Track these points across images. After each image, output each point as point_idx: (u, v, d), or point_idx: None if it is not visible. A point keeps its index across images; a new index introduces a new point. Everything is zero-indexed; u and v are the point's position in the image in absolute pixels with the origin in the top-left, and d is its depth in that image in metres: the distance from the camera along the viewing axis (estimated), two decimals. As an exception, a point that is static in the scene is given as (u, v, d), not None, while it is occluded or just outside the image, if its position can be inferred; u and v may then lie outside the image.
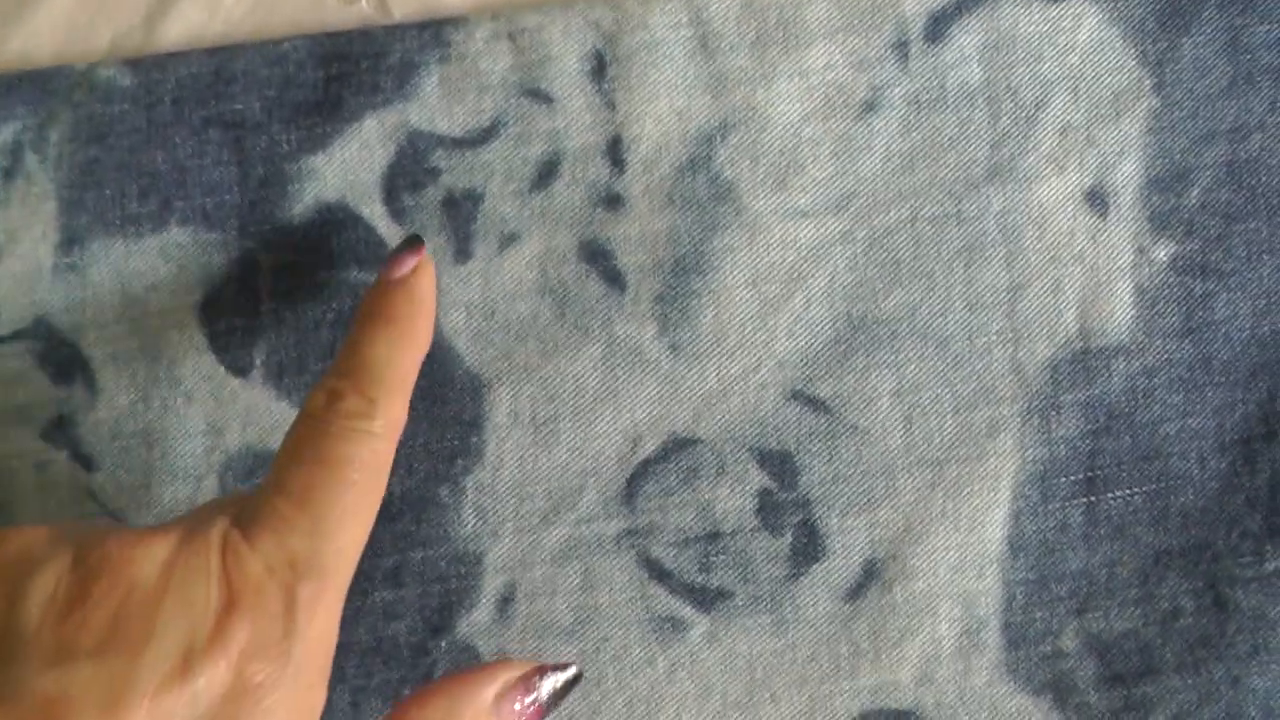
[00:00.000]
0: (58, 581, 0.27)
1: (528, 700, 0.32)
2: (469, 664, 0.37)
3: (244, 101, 0.38)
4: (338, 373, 0.32)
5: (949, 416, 0.38)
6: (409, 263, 0.34)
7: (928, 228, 0.38)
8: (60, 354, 0.37)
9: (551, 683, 0.32)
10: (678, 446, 0.38)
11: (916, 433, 0.38)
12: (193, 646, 0.27)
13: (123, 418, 0.37)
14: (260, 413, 0.38)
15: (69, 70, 0.38)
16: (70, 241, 0.38)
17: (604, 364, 0.38)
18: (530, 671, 0.32)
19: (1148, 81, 0.39)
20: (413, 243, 0.35)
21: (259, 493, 0.30)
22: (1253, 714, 0.38)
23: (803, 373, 0.38)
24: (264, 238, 0.38)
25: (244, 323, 0.38)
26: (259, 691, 0.27)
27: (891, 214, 0.38)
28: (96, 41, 0.39)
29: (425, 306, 0.34)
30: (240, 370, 0.38)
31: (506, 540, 0.38)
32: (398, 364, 0.32)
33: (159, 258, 0.38)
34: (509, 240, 0.38)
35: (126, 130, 0.38)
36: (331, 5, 0.39)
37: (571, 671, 0.33)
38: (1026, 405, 0.38)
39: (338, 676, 0.36)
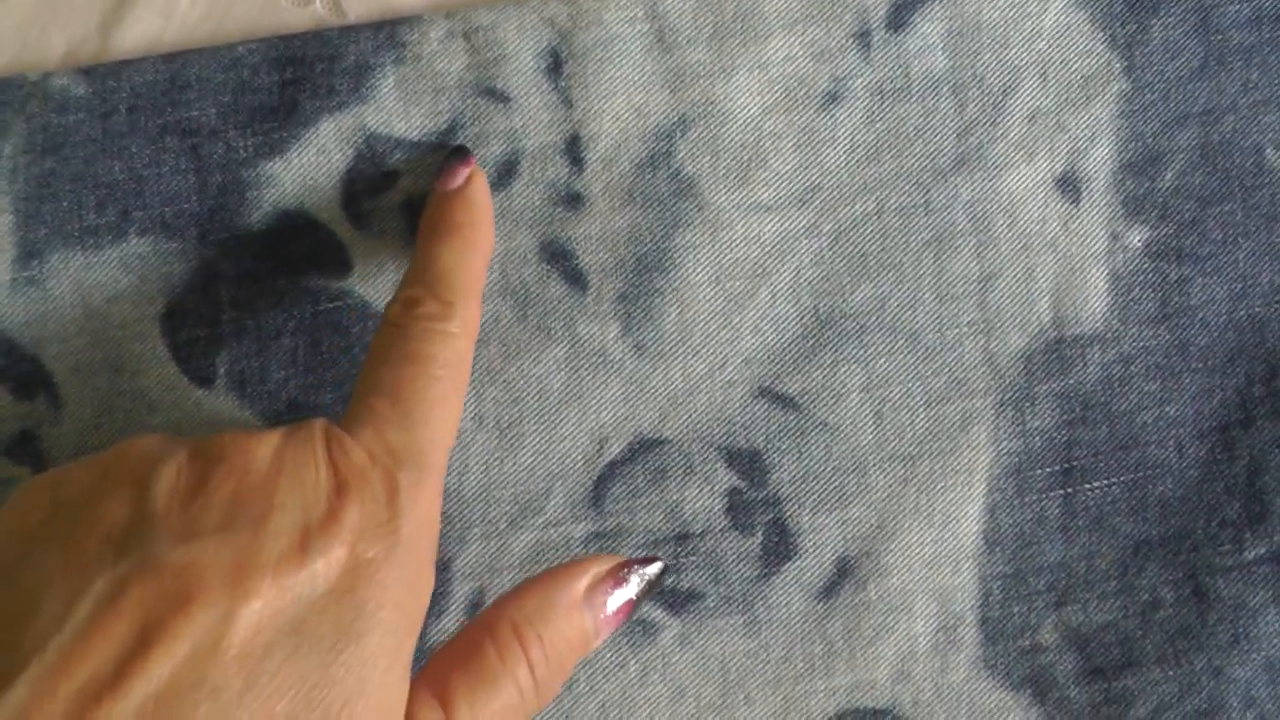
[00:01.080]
0: (179, 471, 0.29)
1: (618, 593, 0.33)
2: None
3: (200, 108, 0.38)
4: (412, 282, 0.34)
5: (920, 410, 0.38)
6: (462, 173, 0.36)
7: (895, 219, 0.38)
8: (21, 369, 0.37)
9: (640, 576, 0.33)
10: (644, 447, 0.37)
11: (888, 428, 0.38)
12: (309, 525, 0.28)
13: (86, 431, 0.37)
14: (224, 423, 0.37)
15: (21, 80, 0.38)
16: (28, 255, 0.37)
17: (567, 365, 0.38)
18: (619, 565, 0.33)
19: (1117, 65, 0.38)
20: (461, 153, 0.37)
21: (353, 396, 0.32)
22: (1234, 704, 0.37)
23: (770, 370, 0.38)
24: (224, 246, 0.38)
25: (206, 332, 0.37)
26: (371, 567, 0.28)
27: (857, 206, 0.38)
28: (51, 50, 0.39)
29: (483, 212, 0.36)
30: (204, 380, 0.37)
31: (474, 546, 0.37)
32: (466, 269, 0.34)
33: (119, 269, 0.37)
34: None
35: (82, 140, 0.38)
36: (286, 7, 0.39)
37: (658, 566, 0.33)
38: (1000, 397, 0.38)
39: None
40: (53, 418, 0.37)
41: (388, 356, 0.32)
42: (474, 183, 0.36)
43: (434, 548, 0.31)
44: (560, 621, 0.31)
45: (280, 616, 0.27)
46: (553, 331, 0.38)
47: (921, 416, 0.38)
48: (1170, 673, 0.37)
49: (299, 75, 0.38)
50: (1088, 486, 0.38)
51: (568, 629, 0.32)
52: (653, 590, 0.33)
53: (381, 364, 0.32)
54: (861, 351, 0.38)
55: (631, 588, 0.33)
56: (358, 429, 0.30)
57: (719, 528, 0.37)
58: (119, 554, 0.28)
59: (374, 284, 0.38)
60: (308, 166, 0.38)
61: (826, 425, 0.38)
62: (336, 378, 0.38)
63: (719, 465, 0.37)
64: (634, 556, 0.34)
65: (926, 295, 0.38)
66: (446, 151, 0.37)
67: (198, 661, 0.27)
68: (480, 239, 0.35)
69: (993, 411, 0.38)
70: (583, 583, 0.32)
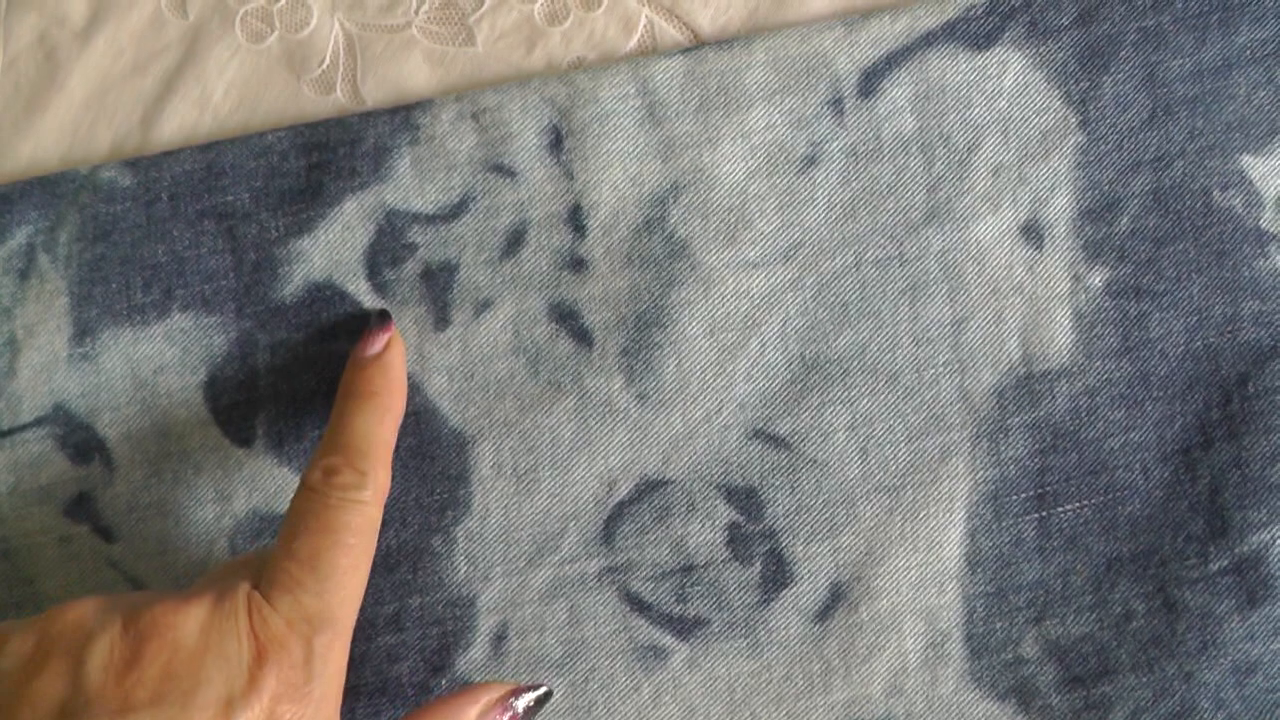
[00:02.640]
0: (112, 646, 0.32)
1: (505, 717, 0.36)
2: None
3: (234, 193, 0.41)
4: (329, 449, 0.36)
5: (902, 445, 0.41)
6: (381, 340, 0.39)
7: (872, 270, 0.41)
8: (78, 436, 0.41)
9: (525, 700, 0.37)
10: (650, 488, 0.41)
11: (872, 462, 0.41)
12: (232, 694, 0.32)
13: (138, 491, 0.41)
14: (264, 479, 0.41)
15: (74, 174, 0.41)
16: (83, 333, 0.41)
17: (577, 415, 0.41)
18: (506, 693, 0.36)
19: (1073, 119, 0.42)
20: (382, 318, 0.39)
21: (273, 558, 0.34)
22: (1205, 706, 0.40)
23: (762, 413, 0.41)
24: (259, 318, 0.41)
25: (245, 397, 0.41)
26: None
27: (837, 260, 0.41)
28: (98, 144, 0.42)
29: (398, 379, 0.39)
30: (244, 441, 0.41)
31: (496, 583, 0.40)
32: (380, 436, 0.37)
33: (164, 342, 0.41)
34: (483, 306, 0.41)
35: (129, 227, 0.41)
36: (309, 96, 0.42)
37: (542, 690, 0.37)
38: (976, 430, 0.41)
39: (347, 717, 0.39)
40: (107, 479, 0.41)
41: (305, 524, 0.35)
42: (391, 349, 0.39)
43: (340, 699, 0.34)
44: None
45: None
46: (562, 385, 0.41)
47: (903, 451, 0.41)
48: (1144, 679, 0.40)
49: (323, 159, 0.41)
50: (1061, 509, 0.41)
51: None
52: (537, 710, 0.37)
53: (299, 531, 0.35)
54: (846, 393, 0.41)
55: (518, 710, 0.36)
56: (277, 595, 0.33)
57: (721, 559, 0.41)
58: None
59: (397, 347, 0.41)
60: (334, 242, 0.41)
61: (816, 462, 0.41)
62: (366, 433, 0.41)
63: (719, 502, 0.41)
64: (522, 683, 0.37)
65: (904, 339, 0.41)
66: (370, 314, 0.40)
67: None
68: (394, 405, 0.38)
69: (969, 444, 0.41)
70: (474, 710, 0.36)
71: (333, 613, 0.34)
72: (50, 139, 0.42)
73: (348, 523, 0.35)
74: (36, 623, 0.33)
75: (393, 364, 0.38)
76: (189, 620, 0.32)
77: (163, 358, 0.41)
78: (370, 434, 0.37)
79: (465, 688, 0.36)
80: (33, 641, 0.32)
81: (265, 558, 0.35)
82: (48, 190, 0.41)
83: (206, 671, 0.32)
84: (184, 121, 0.42)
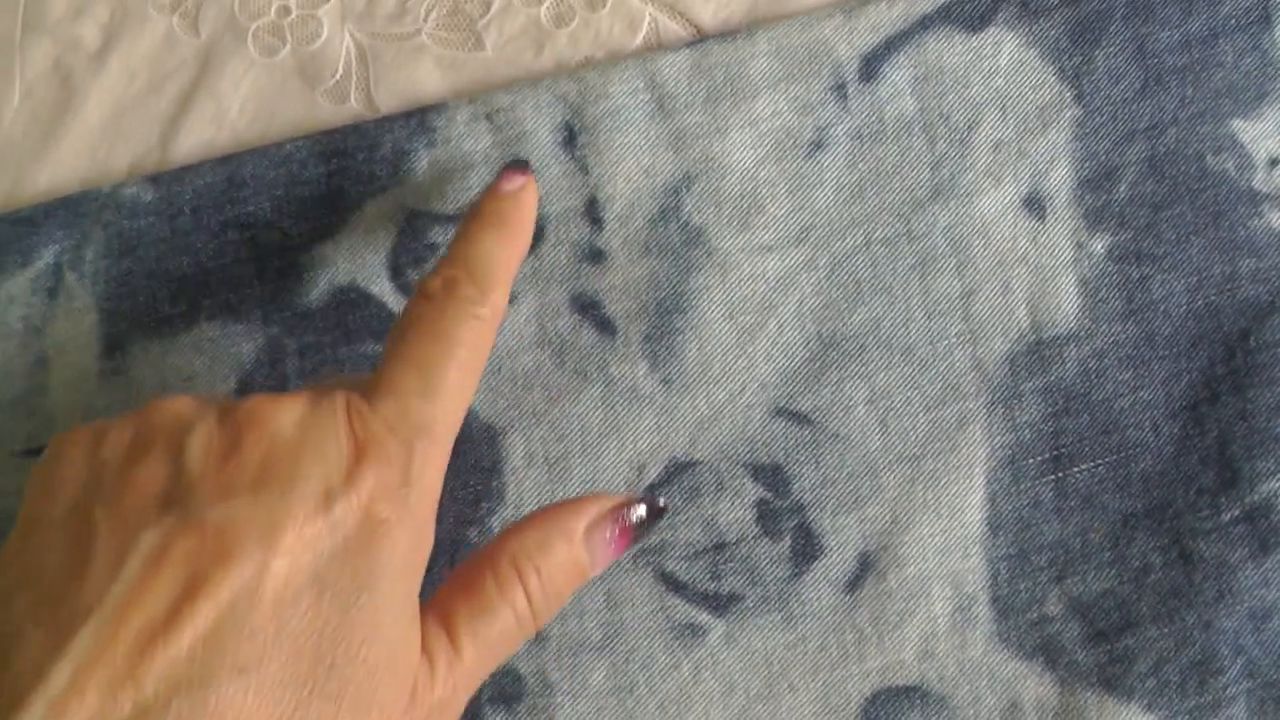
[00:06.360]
0: (210, 435, 0.32)
1: (615, 529, 0.35)
2: (511, 686, 0.41)
3: (255, 203, 0.42)
4: (452, 262, 0.36)
5: (920, 416, 0.42)
6: (519, 180, 0.39)
7: (882, 248, 0.42)
8: (116, 449, 0.41)
9: (636, 514, 0.36)
10: (679, 470, 0.42)
11: (893, 434, 0.42)
12: (330, 488, 0.31)
13: (177, 500, 0.41)
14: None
15: (96, 193, 0.42)
16: (112, 348, 0.42)
17: (604, 403, 0.42)
18: (617, 504, 0.35)
19: (1068, 93, 0.43)
20: (521, 163, 0.39)
21: (381, 361, 0.34)
22: (1225, 652, 0.41)
23: (783, 391, 0.42)
24: (286, 324, 0.42)
25: (277, 402, 0.42)
26: (384, 526, 0.31)
27: (848, 239, 0.42)
28: (117, 164, 0.43)
29: (529, 216, 0.38)
30: (278, 445, 0.41)
31: (534, 571, 0.41)
32: (504, 260, 0.37)
33: (193, 352, 0.42)
34: (508, 301, 0.42)
35: (153, 241, 0.42)
36: (324, 105, 0.43)
37: (659, 501, 0.36)
38: (990, 397, 0.42)
39: None
40: (144, 491, 0.41)
41: (419, 329, 0.34)
42: (528, 189, 0.39)
43: (435, 512, 0.33)
44: (558, 555, 0.34)
45: (306, 569, 0.30)
46: (588, 374, 0.42)
47: (922, 421, 0.42)
48: (1165, 630, 0.41)
49: (342, 165, 0.42)
50: (1076, 470, 0.42)
51: (565, 562, 0.34)
52: (650, 527, 0.36)
53: (412, 334, 0.34)
54: (863, 368, 0.42)
55: (627, 524, 0.35)
56: (380, 396, 0.33)
57: (751, 535, 0.42)
58: (162, 511, 0.30)
59: (424, 346, 0.42)
60: (356, 246, 0.42)
61: (838, 436, 0.42)
62: (396, 432, 0.42)
63: (746, 480, 0.42)
64: (634, 495, 0.36)
65: (916, 313, 0.42)
66: (507, 161, 0.41)
67: (238, 607, 0.29)
68: (522, 237, 0.38)
69: (985, 411, 0.42)
70: (582, 521, 0.35)
71: (434, 421, 0.33)
72: (69, 164, 0.43)
73: (462, 336, 0.34)
74: (133, 415, 0.33)
75: (527, 202, 0.38)
76: (286, 414, 0.32)
77: (192, 367, 0.42)
78: (495, 255, 0.36)
79: (574, 498, 0.35)
80: (131, 431, 0.33)
81: (363, 377, 0.35)
82: (71, 210, 0.42)
83: (305, 464, 0.31)
84: (201, 138, 0.43)
